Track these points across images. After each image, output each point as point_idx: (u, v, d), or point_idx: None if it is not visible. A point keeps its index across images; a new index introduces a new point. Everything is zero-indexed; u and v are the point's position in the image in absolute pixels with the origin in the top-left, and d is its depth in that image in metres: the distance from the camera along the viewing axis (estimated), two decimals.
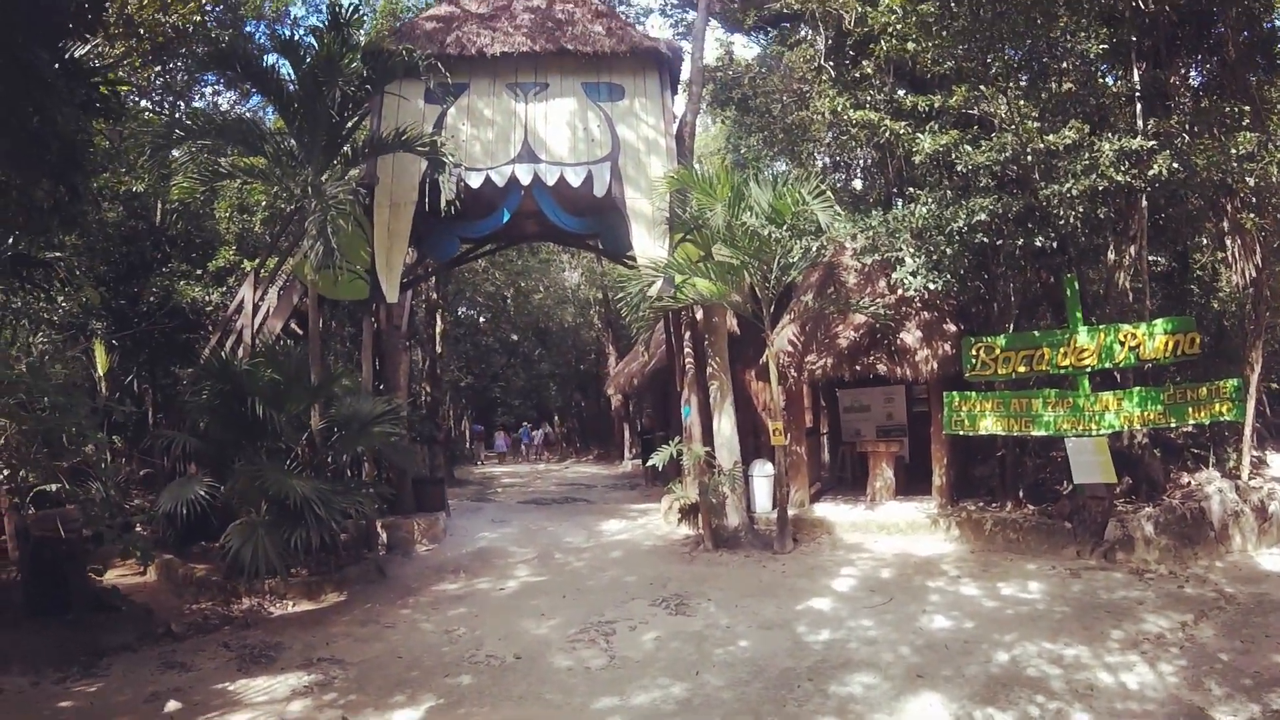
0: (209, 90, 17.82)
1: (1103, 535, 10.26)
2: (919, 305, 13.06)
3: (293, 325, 13.29)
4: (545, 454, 35.84)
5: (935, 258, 10.76)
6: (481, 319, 42.11)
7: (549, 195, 12.72)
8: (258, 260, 12.77)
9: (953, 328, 12.70)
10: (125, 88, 12.79)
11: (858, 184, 17.43)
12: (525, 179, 12.41)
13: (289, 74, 11.15)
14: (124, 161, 12.88)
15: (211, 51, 11.27)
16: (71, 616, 7.95)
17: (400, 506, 12.80)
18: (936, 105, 10.56)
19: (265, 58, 11.57)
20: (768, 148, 17.18)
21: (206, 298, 13.52)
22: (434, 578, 10.38)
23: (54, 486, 8.67)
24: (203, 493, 9.22)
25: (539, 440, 36.96)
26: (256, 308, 12.41)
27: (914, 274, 10.81)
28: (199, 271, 14.06)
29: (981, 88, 10.13)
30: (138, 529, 10.53)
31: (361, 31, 11.94)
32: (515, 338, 39.88)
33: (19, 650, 7.17)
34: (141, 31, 11.92)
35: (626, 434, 25.95)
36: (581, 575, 10.34)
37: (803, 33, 14.58)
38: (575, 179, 12.48)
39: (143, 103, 15.75)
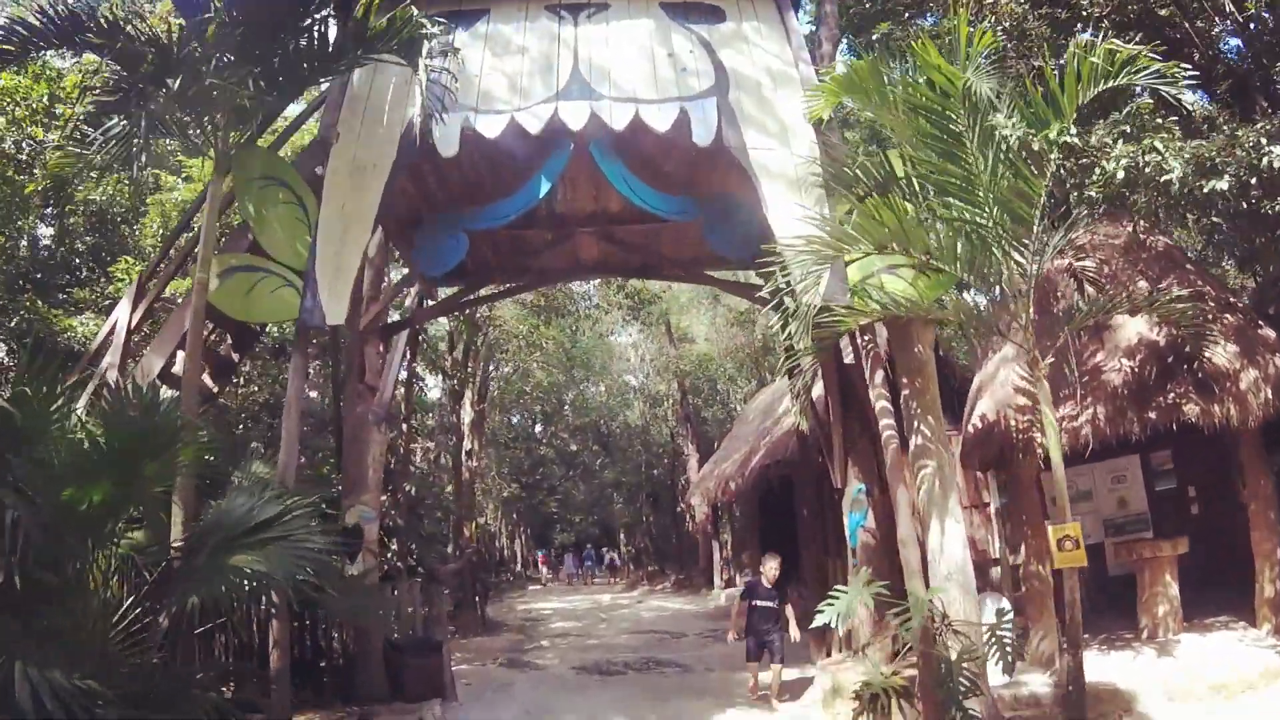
0: None
1: None
2: (1213, 305, 8.28)
3: (203, 379, 8.25)
4: (612, 579, 30.27)
5: None
6: (537, 426, 37.45)
7: (616, 156, 7.65)
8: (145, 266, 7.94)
9: (1271, 333, 8.26)
10: None
11: None
12: (576, 122, 7.35)
13: None
14: None
15: None
16: None
17: (361, 691, 7.25)
18: None
19: None
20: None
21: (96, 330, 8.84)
22: None
23: None
24: None
25: (606, 561, 31.86)
26: (136, 336, 7.48)
27: None
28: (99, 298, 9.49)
29: None
30: None
31: None
32: (575, 448, 34.93)
33: None
34: None
35: (716, 556, 19.93)
36: None
37: None
38: (662, 120, 7.38)
39: None
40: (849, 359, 8.53)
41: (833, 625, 6.06)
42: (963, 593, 6.53)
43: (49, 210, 10.36)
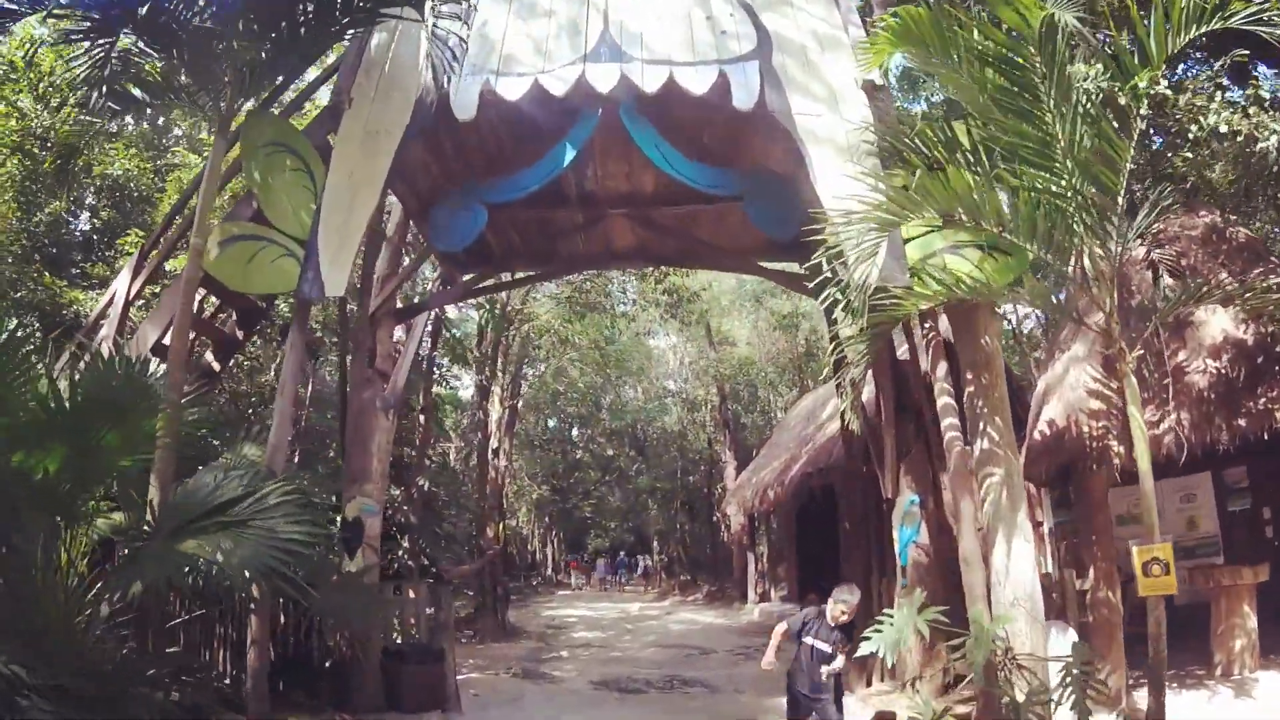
0: None
1: None
2: None
3: (206, 356, 7.78)
4: (646, 587, 29.62)
5: None
6: (574, 429, 36.96)
7: (649, 121, 6.97)
8: (148, 238, 7.53)
9: None
10: None
11: None
12: (604, 84, 6.69)
13: None
14: None
15: None
16: None
17: (355, 697, 6.66)
18: None
19: None
20: None
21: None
22: None
23: None
24: None
25: (640, 569, 31.38)
26: (139, 309, 7.08)
27: None
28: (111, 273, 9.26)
29: None
30: None
31: None
32: (611, 452, 34.30)
33: None
34: None
35: (751, 568, 19.07)
36: None
37: None
38: (699, 82, 6.69)
39: None
40: (902, 354, 7.76)
41: (883, 654, 5.26)
42: (1030, 622, 5.71)
43: (66, 184, 10.04)
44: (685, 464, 27.67)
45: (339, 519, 6.91)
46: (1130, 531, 9.51)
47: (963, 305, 6.09)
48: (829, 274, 5.98)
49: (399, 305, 8.82)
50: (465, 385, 22.56)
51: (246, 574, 4.69)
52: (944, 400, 5.71)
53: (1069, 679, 5.23)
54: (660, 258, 10.31)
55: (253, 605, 5.50)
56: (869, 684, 8.57)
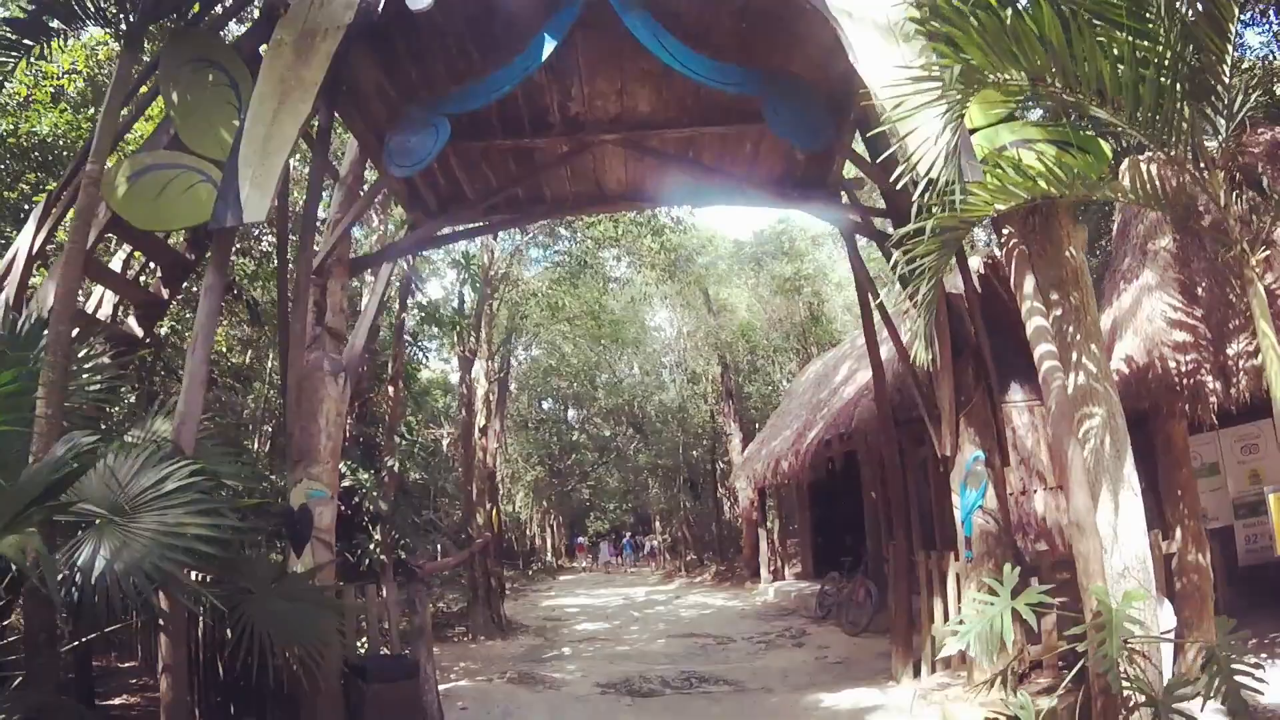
0: None
1: None
2: None
3: (128, 321, 6.54)
4: (652, 565, 28.88)
5: None
6: (569, 411, 36.01)
7: (645, 10, 5.70)
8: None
9: None
10: None
11: None
12: None
13: None
14: None
15: None
16: None
17: None
18: None
19: None
20: None
21: None
22: None
23: None
24: None
25: (647, 549, 30.71)
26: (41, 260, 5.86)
27: None
28: None
29: None
30: None
31: None
32: (607, 432, 33.31)
33: None
34: None
35: (763, 546, 17.95)
36: None
37: None
38: None
39: None
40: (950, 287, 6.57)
41: (970, 651, 4.07)
42: (1146, 596, 4.55)
43: None
44: (686, 439, 26.50)
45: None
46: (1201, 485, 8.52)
47: (1040, 211, 4.92)
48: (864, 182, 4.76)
49: (355, 256, 7.57)
50: (455, 369, 21.33)
51: (134, 582, 3.54)
52: (1036, 322, 4.48)
53: (1216, 667, 4.09)
54: (659, 196, 9.04)
55: (160, 621, 4.29)
56: (916, 674, 7.45)
